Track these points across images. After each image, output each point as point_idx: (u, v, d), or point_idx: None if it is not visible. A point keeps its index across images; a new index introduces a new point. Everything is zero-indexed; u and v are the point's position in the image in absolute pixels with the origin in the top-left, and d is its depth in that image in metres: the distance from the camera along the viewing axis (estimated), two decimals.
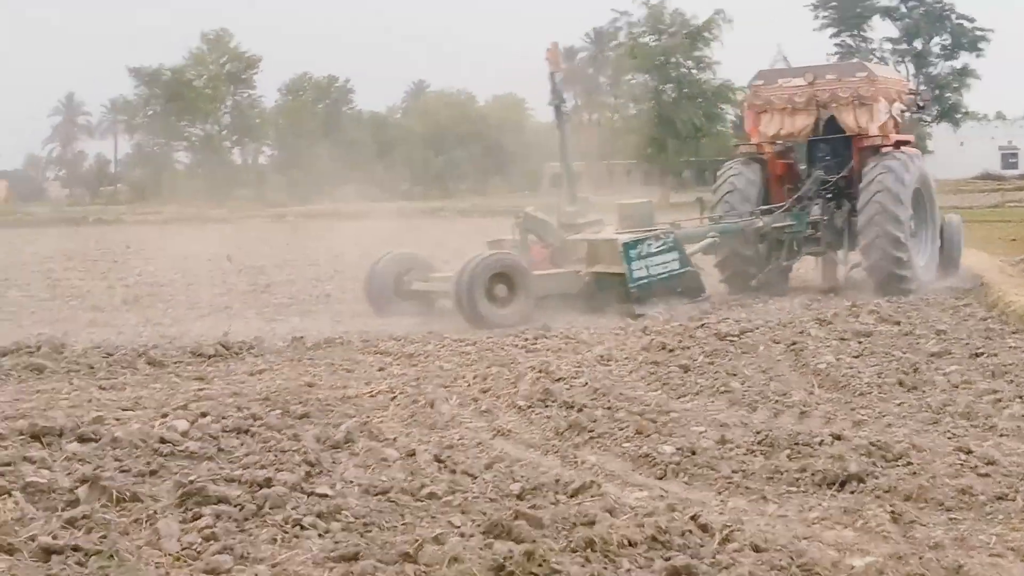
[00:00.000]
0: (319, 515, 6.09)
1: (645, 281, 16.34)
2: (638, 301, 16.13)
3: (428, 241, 33.18)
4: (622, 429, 8.45)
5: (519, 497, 6.71)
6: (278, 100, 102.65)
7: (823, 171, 19.25)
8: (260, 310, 17.60)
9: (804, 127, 19.30)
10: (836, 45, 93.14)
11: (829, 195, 19.13)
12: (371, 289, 17.03)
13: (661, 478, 7.32)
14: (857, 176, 18.75)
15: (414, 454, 7.69)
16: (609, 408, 9.22)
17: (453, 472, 7.27)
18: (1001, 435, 8.06)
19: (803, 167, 19.99)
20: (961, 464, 7.12)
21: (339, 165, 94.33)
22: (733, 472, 7.26)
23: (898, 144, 18.96)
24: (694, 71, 77.39)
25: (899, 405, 9.27)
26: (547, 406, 9.38)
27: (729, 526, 5.93)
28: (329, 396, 9.75)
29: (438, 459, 7.57)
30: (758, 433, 8.13)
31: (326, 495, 6.52)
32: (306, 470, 6.98)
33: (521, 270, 16.00)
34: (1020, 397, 9.21)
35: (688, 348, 12.32)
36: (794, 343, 12.48)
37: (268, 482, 6.55)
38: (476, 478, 7.15)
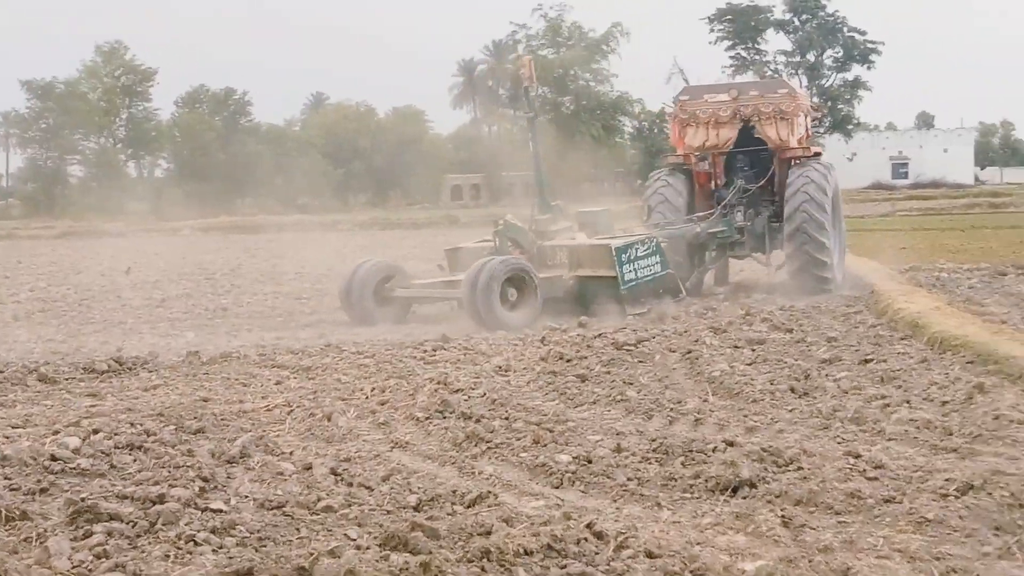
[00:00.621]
0: (213, 530, 6.04)
1: (635, 283, 17.43)
2: (628, 302, 17.13)
3: (331, 253, 33.09)
4: (519, 439, 8.49)
5: (416, 509, 6.72)
6: (174, 113, 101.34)
7: (744, 180, 20.40)
8: (155, 325, 17.41)
9: (727, 139, 20.39)
10: (731, 58, 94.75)
11: (749, 202, 20.28)
12: (351, 297, 17.38)
13: (558, 487, 7.36)
14: (777, 185, 20.26)
15: (310, 467, 7.66)
16: (507, 418, 9.27)
17: (350, 485, 7.25)
18: (889, 439, 8.24)
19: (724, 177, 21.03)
20: (850, 468, 7.27)
21: (236, 178, 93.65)
22: (628, 480, 7.32)
23: (814, 155, 20.60)
24: (592, 84, 78.09)
25: (791, 411, 9.43)
26: (445, 417, 9.39)
27: (624, 533, 5.99)
28: (225, 411, 9.69)
29: (335, 472, 7.54)
30: (653, 441, 8.22)
31: (220, 510, 6.47)
32: (200, 485, 6.92)
33: (531, 273, 16.80)
34: (907, 402, 9.40)
35: (585, 358, 12.41)
36: (689, 351, 12.64)
37: (161, 498, 6.48)
38: (373, 490, 7.14)
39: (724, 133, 20.29)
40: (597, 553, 5.78)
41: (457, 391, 10.46)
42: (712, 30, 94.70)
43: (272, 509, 6.62)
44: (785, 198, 19.53)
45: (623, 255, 17.20)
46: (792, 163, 20.15)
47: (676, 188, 20.26)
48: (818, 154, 20.93)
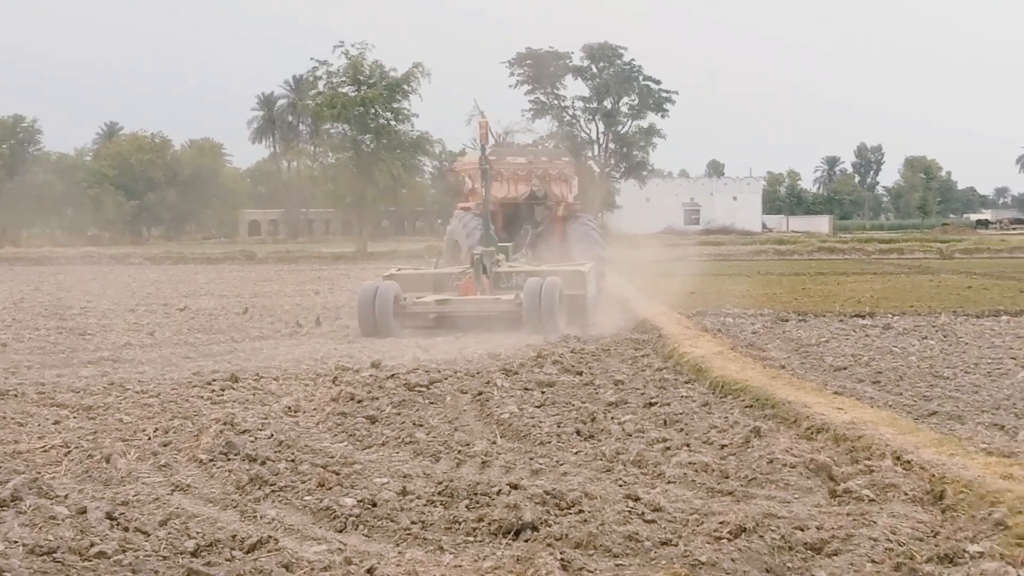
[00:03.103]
0: None
1: (592, 299, 21.81)
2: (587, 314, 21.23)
3: (120, 288, 32.15)
4: (304, 482, 8.40)
5: (193, 554, 6.57)
6: None
7: (531, 226, 24.95)
8: None
9: (523, 193, 24.75)
10: (531, 101, 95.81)
11: (532, 244, 24.54)
12: (376, 312, 20.27)
13: (341, 531, 7.29)
14: (557, 232, 24.99)
15: (85, 511, 7.40)
16: (293, 460, 9.15)
17: (126, 530, 7.05)
18: (668, 482, 8.42)
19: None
20: (629, 511, 7.40)
21: (24, 208, 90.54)
22: (412, 523, 7.31)
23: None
24: (393, 122, 78.07)
25: (576, 454, 9.55)
26: (229, 459, 9.21)
27: None
28: None
29: (110, 516, 7.31)
30: (439, 484, 8.22)
31: None
32: None
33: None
34: (688, 445, 9.63)
35: (377, 399, 12.35)
36: (480, 393, 12.71)
37: None
38: (149, 535, 6.94)
39: (521, 188, 24.73)
40: None
41: (243, 432, 10.29)
42: (512, 74, 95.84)
43: (42, 555, 6.38)
44: (572, 243, 24.37)
45: (588, 276, 21.59)
46: (572, 215, 25.42)
47: (481, 229, 23.62)
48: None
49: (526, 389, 13.07)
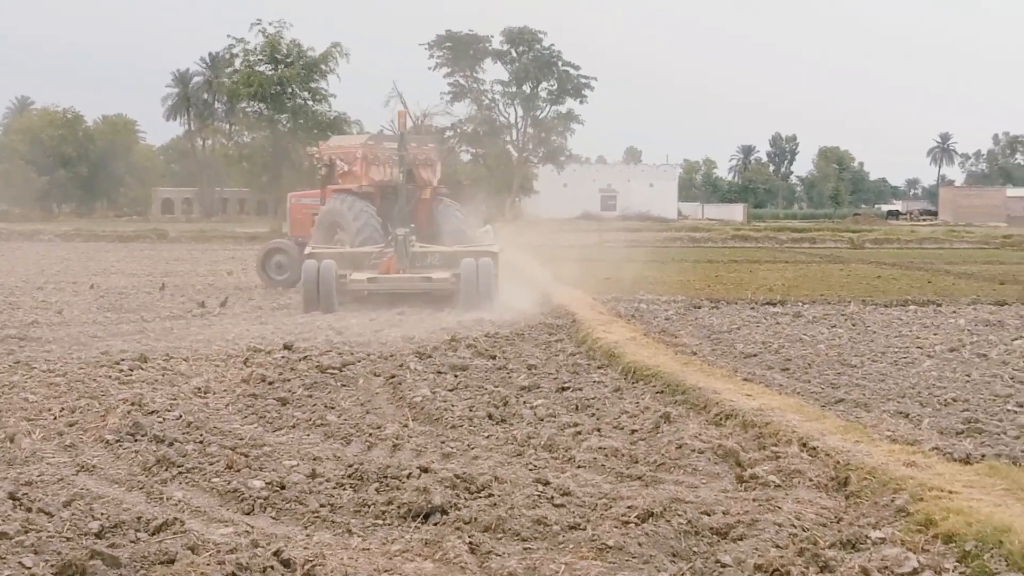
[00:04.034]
0: None
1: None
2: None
3: (29, 265, 31.63)
4: (212, 464, 8.33)
5: (97, 535, 6.49)
6: None
7: (402, 209, 25.16)
8: None
9: (398, 176, 25.09)
10: (450, 84, 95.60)
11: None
12: (321, 288, 21.30)
13: (249, 513, 7.25)
14: (424, 214, 26.12)
15: None
16: (201, 442, 9.09)
17: (28, 510, 6.94)
18: (578, 467, 8.47)
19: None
20: (539, 495, 7.42)
21: None
22: (321, 506, 7.28)
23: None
24: (310, 102, 77.43)
25: (487, 438, 9.58)
26: (136, 440, 9.12)
27: (311, 561, 5.96)
28: None
29: (13, 497, 7.21)
30: (350, 466, 8.20)
31: None
32: None
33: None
34: (598, 430, 9.69)
35: (288, 381, 12.29)
36: (393, 376, 12.68)
37: None
38: (53, 516, 6.85)
39: (396, 171, 25.31)
40: None
41: (151, 413, 10.21)
42: (432, 56, 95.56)
43: None
44: (439, 225, 25.99)
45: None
46: (437, 196, 26.86)
47: (371, 212, 25.27)
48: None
49: (439, 372, 13.07)
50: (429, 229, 25.85)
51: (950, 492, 6.93)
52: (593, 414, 10.59)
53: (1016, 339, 16.27)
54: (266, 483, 7.73)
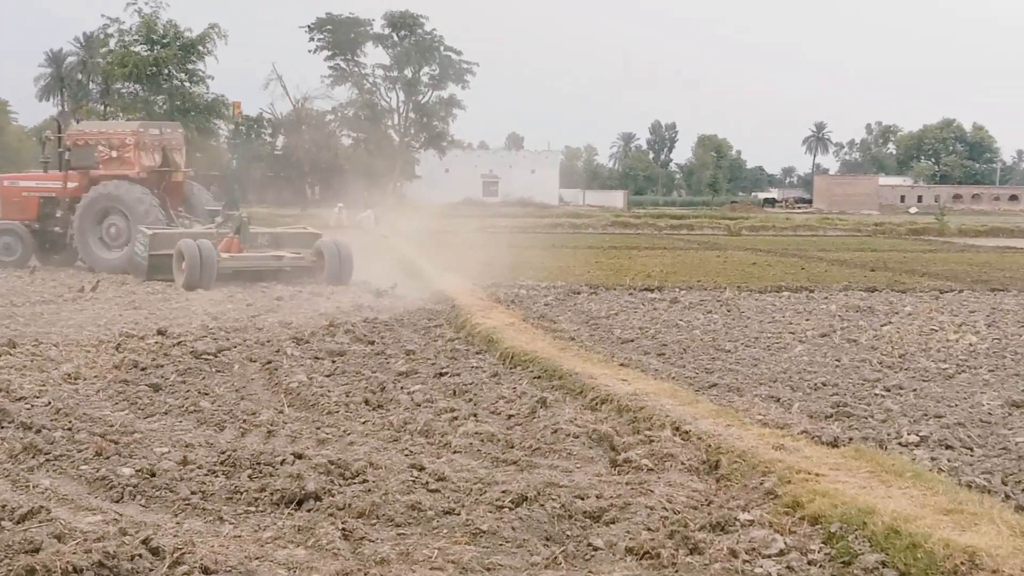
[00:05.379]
0: None
1: None
2: None
3: None
4: (81, 451, 8.17)
5: None
6: None
7: (161, 190, 27.49)
8: None
9: (159, 162, 27.40)
10: (330, 68, 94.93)
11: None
12: (203, 267, 21.93)
13: (118, 501, 7.12)
14: (178, 192, 28.18)
15: None
16: (70, 429, 8.91)
17: None
18: (454, 452, 8.48)
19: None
20: (414, 481, 7.41)
21: None
22: (192, 493, 7.18)
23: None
24: (187, 84, 76.14)
25: (363, 423, 9.54)
26: (3, 427, 8.91)
27: (181, 548, 5.87)
28: None
29: None
30: (222, 453, 8.10)
31: None
32: None
33: None
34: (475, 416, 9.70)
35: (161, 367, 12.11)
36: (269, 362, 12.56)
37: None
38: None
39: (158, 157, 27.46)
40: (152, 569, 5.65)
41: (19, 399, 10.02)
42: (312, 39, 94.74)
43: None
44: (193, 207, 27.90)
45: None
46: (185, 180, 28.49)
47: (150, 196, 26.40)
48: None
49: (316, 358, 12.97)
50: (184, 209, 27.90)
51: (817, 475, 7.08)
52: (470, 399, 10.61)
53: (885, 325, 16.67)
54: (136, 470, 7.60)
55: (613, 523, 6.63)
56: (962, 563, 5.46)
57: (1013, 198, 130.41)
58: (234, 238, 24.00)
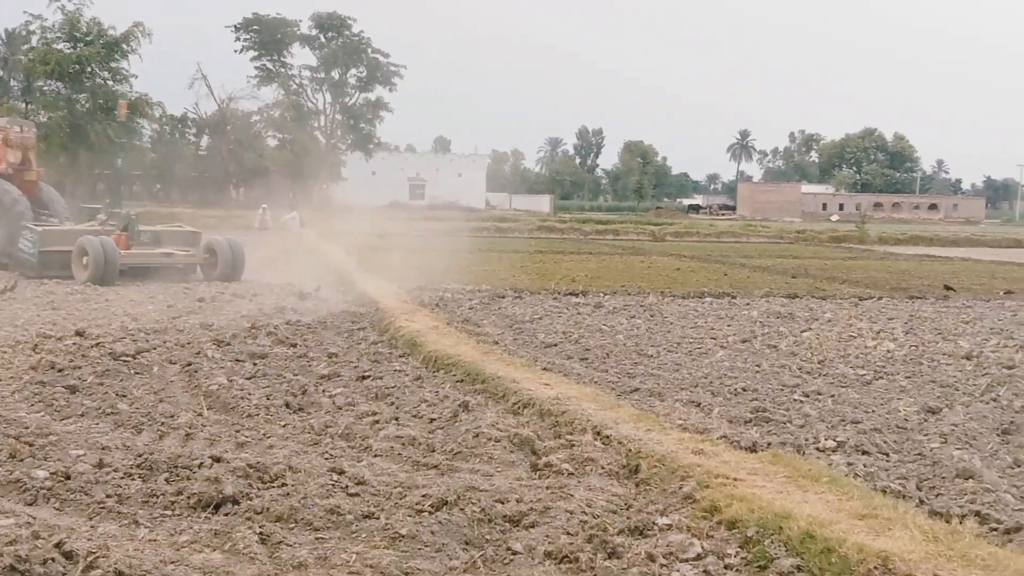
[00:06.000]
0: None
1: None
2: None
3: None
4: None
5: None
6: None
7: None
8: None
9: (20, 160, 27.97)
10: (256, 68, 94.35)
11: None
12: (106, 264, 22.54)
13: (31, 504, 7.00)
14: (33, 191, 28.12)
15: None
16: None
17: None
18: (375, 456, 8.44)
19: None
20: (333, 484, 7.37)
21: None
22: (107, 496, 7.08)
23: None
24: (110, 82, 75.22)
25: (284, 427, 9.46)
26: None
27: (95, 552, 5.78)
28: None
29: None
30: (139, 456, 7.99)
31: None
32: None
33: None
34: (397, 419, 9.68)
35: (79, 368, 11.93)
36: (189, 364, 12.42)
37: None
38: None
39: (20, 155, 27.92)
40: (65, 573, 5.56)
41: None
42: (238, 39, 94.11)
43: None
44: (47, 206, 28.27)
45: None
46: (35, 182, 28.67)
47: (18, 193, 26.63)
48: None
49: (237, 360, 12.86)
50: (39, 208, 27.98)
51: (735, 479, 7.14)
52: (392, 403, 10.57)
53: (805, 331, 16.88)
54: (50, 473, 7.48)
55: (533, 527, 6.64)
56: (876, 567, 5.53)
57: (932, 207, 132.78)
58: (121, 235, 24.60)
